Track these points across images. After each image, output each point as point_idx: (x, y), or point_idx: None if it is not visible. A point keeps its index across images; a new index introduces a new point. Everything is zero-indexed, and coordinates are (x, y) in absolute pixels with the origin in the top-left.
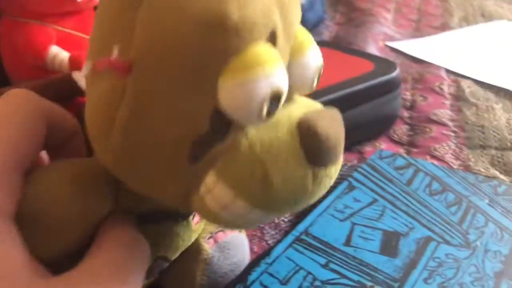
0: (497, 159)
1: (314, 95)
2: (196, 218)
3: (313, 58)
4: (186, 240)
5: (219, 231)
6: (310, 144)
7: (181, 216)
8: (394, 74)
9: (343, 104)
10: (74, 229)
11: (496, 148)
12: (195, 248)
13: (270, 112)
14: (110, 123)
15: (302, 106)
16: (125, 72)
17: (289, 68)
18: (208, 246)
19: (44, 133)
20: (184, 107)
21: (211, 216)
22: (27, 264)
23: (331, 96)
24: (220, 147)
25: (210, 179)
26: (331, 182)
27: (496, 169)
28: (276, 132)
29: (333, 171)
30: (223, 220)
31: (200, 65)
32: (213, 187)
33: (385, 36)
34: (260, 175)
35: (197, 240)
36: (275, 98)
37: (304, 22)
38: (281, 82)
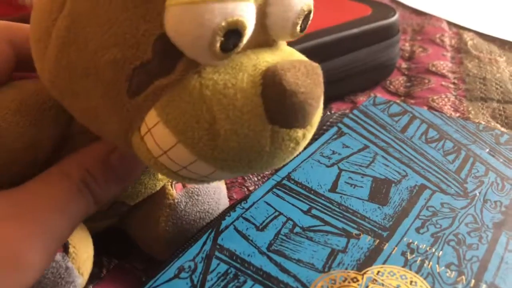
0: (498, 112)
1: (305, 38)
2: None
3: None
4: (150, 188)
5: None
6: (271, 97)
7: None
8: (393, 19)
9: (337, 48)
10: (23, 159)
11: (498, 101)
12: (161, 193)
13: (227, 49)
14: (48, 35)
15: (278, 55)
16: None
17: (266, 4)
18: (174, 191)
19: (11, 54)
20: (124, 27)
21: (151, 161)
22: None
23: (325, 39)
24: (165, 81)
25: (150, 117)
26: (297, 147)
27: (498, 122)
28: (236, 77)
29: (300, 136)
30: (163, 167)
31: None
32: (153, 127)
33: None
34: (207, 121)
35: (163, 185)
36: (233, 32)
37: None
38: (241, 12)
